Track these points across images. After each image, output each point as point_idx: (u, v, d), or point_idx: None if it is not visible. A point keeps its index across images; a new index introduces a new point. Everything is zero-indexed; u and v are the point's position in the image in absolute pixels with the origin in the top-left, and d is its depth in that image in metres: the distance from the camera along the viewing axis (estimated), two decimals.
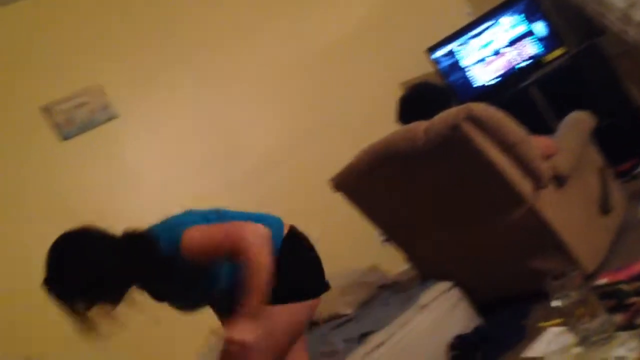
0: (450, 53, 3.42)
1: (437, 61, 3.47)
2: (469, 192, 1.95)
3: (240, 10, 3.36)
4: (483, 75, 3.36)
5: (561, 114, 2.44)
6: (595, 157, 2.36)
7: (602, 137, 2.43)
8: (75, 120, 2.98)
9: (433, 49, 3.45)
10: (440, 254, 2.19)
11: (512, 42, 3.19)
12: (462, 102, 3.14)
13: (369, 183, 2.19)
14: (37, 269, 2.81)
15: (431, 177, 2.00)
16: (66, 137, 2.96)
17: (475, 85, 3.40)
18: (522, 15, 3.11)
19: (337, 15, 3.54)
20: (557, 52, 3.04)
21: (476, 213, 1.99)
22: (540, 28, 3.07)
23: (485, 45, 3.30)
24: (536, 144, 1.98)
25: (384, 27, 3.60)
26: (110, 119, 3.04)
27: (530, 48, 3.13)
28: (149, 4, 3.21)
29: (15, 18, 2.94)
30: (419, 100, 2.38)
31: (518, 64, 3.20)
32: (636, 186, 2.65)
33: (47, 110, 2.93)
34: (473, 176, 1.91)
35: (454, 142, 1.90)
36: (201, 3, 3.30)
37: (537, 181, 1.94)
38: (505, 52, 3.24)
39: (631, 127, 3.03)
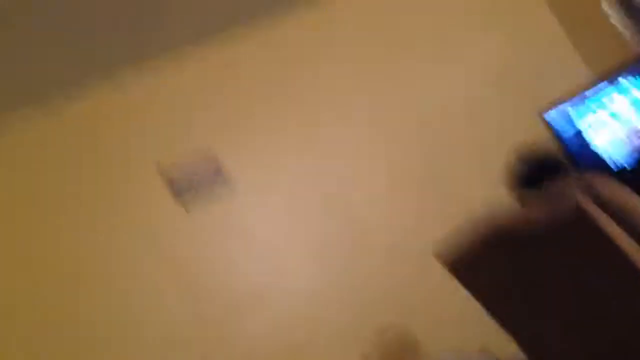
0: (569, 117, 3.24)
1: (553, 126, 3.30)
2: (593, 282, 1.78)
3: (353, 71, 3.41)
4: (604, 143, 3.15)
5: None
6: None
7: None
8: (192, 188, 3.10)
9: (549, 112, 3.28)
10: (557, 348, 2.01)
11: (638, 107, 2.98)
12: (580, 172, 2.95)
13: (477, 261, 2.06)
14: (147, 333, 2.87)
15: (548, 262, 1.85)
16: (183, 205, 3.07)
17: (595, 154, 3.18)
18: None
19: (449, 74, 3.49)
20: None
21: (600, 306, 1.81)
22: None
23: (606, 110, 3.10)
24: None
25: (498, 87, 3.50)
26: (226, 186, 3.13)
27: None
28: (265, 73, 3.31)
29: (136, 88, 3.12)
30: (533, 169, 2.26)
31: None
32: None
33: (166, 177, 3.07)
34: (597, 264, 1.74)
35: (575, 224, 1.75)
36: (316, 64, 3.38)
37: None
38: (630, 118, 3.02)
39: None
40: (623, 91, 2.99)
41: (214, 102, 3.21)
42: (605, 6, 3.30)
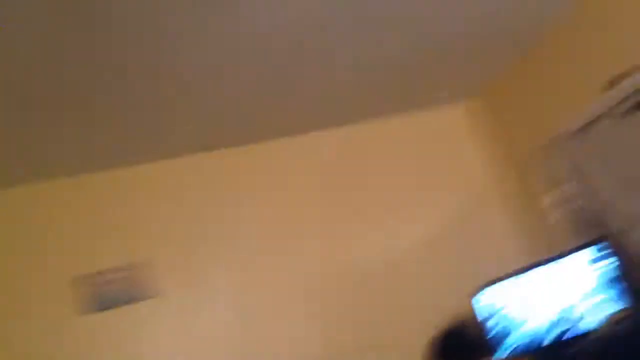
0: (495, 297, 3.04)
1: (478, 307, 3.10)
2: None
3: (288, 217, 3.37)
4: (528, 325, 2.91)
5: None
6: None
7: None
8: (108, 295, 3.02)
9: (475, 293, 3.10)
10: None
11: (572, 293, 2.76)
12: (498, 351, 2.74)
13: None
14: None
15: None
16: (96, 311, 2.98)
17: (517, 335, 2.94)
18: (590, 263, 2.73)
19: (379, 240, 3.41)
20: (623, 312, 2.56)
21: None
22: (606, 280, 2.66)
23: (536, 293, 2.89)
24: None
25: (428, 259, 3.39)
26: (144, 298, 3.05)
27: (590, 303, 2.69)
28: (208, 195, 3.31)
29: (63, 193, 3.16)
30: (450, 344, 2.17)
31: (575, 318, 2.74)
32: None
33: (80, 282, 3.00)
34: None
35: None
36: (264, 195, 3.37)
37: None
38: (560, 303, 2.80)
39: None
40: (561, 276, 2.80)
41: (152, 220, 3.19)
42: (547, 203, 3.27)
